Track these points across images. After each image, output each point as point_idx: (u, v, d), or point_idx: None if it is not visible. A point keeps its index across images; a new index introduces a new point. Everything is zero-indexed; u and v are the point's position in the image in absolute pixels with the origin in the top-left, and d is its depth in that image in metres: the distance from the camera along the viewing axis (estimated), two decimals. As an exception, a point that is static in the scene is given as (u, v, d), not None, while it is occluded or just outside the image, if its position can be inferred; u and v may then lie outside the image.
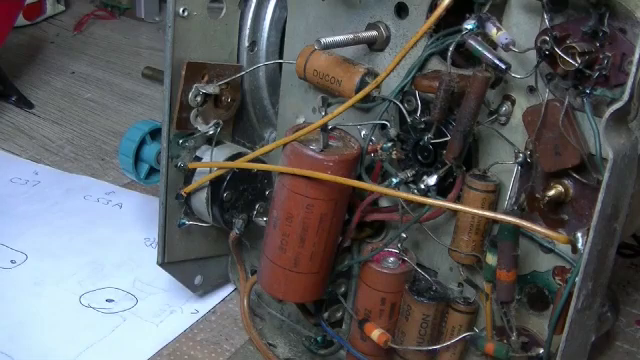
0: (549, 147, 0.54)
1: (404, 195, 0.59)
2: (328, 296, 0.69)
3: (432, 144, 0.59)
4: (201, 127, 0.72)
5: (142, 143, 0.81)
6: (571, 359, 0.53)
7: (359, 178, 0.63)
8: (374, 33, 0.63)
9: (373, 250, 0.64)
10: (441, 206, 0.58)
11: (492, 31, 0.53)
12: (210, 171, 0.71)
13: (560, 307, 0.54)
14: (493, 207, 0.58)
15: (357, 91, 0.62)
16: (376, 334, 0.62)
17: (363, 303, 0.65)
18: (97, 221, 0.94)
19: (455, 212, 0.60)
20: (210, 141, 0.73)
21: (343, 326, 0.73)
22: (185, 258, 0.77)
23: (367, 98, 0.62)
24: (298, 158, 0.60)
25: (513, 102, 0.57)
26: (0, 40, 1.19)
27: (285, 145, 0.61)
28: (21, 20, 1.41)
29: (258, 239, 0.71)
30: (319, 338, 0.73)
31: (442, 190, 0.60)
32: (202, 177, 0.71)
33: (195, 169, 0.72)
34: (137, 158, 0.81)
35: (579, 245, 0.52)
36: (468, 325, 0.62)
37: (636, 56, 0.47)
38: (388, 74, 0.60)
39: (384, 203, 0.66)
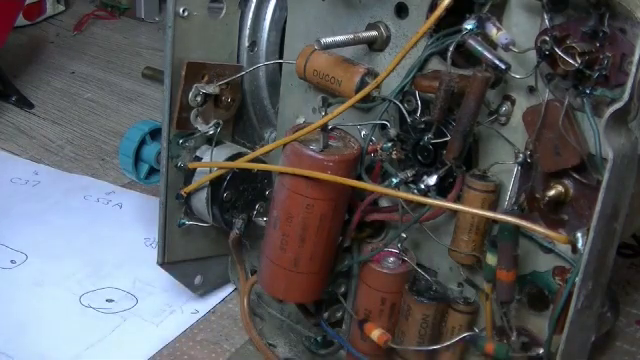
0: (549, 147, 0.54)
1: (404, 195, 0.59)
2: (328, 296, 0.69)
3: (432, 144, 0.59)
4: (201, 127, 0.72)
5: (142, 143, 0.81)
6: (571, 359, 0.53)
7: (359, 178, 0.62)
8: (374, 33, 0.63)
9: (373, 250, 0.64)
10: (441, 206, 0.58)
11: (492, 31, 0.53)
12: (210, 171, 0.71)
13: (560, 307, 0.54)
14: (493, 207, 0.58)
15: (357, 91, 0.62)
16: (376, 334, 0.62)
17: (363, 303, 0.65)
18: (97, 221, 0.94)
19: (455, 212, 0.60)
20: (210, 141, 0.73)
21: (343, 326, 0.73)
22: (185, 258, 0.77)
23: (367, 98, 0.62)
24: (298, 158, 0.60)
25: (513, 102, 0.57)
26: (0, 40, 1.19)
27: (285, 145, 0.61)
28: (21, 20, 1.41)
29: (258, 239, 0.71)
30: (319, 338, 0.73)
31: (442, 190, 0.60)
32: (202, 177, 0.71)
33: (195, 169, 0.72)
34: (137, 158, 0.81)
35: (579, 245, 0.52)
36: (468, 325, 0.62)
37: (636, 56, 0.47)
38: (388, 74, 0.60)
39: (384, 203, 0.66)
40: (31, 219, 0.93)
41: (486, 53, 0.53)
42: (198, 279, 0.80)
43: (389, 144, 0.62)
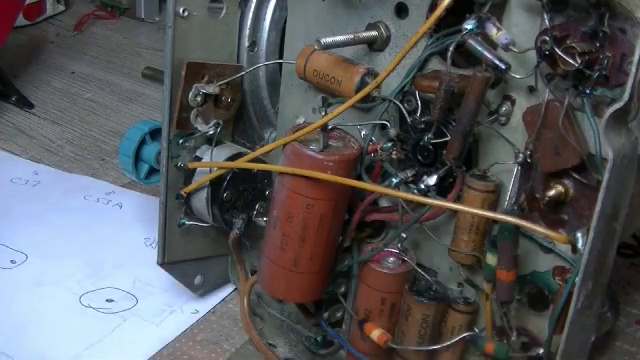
0: (549, 147, 0.54)
1: (404, 195, 0.59)
2: (328, 296, 0.69)
3: (432, 144, 0.59)
4: (201, 127, 0.72)
5: (142, 143, 0.81)
6: (571, 359, 0.53)
7: (359, 178, 0.62)
8: (374, 33, 0.63)
9: (373, 250, 0.64)
10: (441, 206, 0.58)
11: (492, 31, 0.53)
12: (210, 171, 0.71)
13: (560, 307, 0.54)
14: (493, 207, 0.58)
15: (357, 91, 0.62)
16: (376, 334, 0.62)
17: (363, 303, 0.65)
18: (97, 221, 0.94)
19: (455, 212, 0.60)
20: (210, 141, 0.73)
21: (343, 326, 0.73)
22: (185, 258, 0.77)
23: (367, 98, 0.62)
24: (298, 158, 0.60)
25: (513, 102, 0.57)
26: (0, 40, 1.19)
27: (285, 145, 0.61)
28: (21, 20, 1.41)
29: (258, 239, 0.71)
30: (319, 338, 0.73)
31: (442, 190, 0.60)
32: (202, 177, 0.71)
33: (195, 169, 0.72)
34: (137, 158, 0.81)
35: (579, 245, 0.52)
36: (468, 325, 0.62)
37: (636, 56, 0.47)
38: (388, 74, 0.60)
39: (384, 203, 0.66)
40: (31, 219, 0.93)
41: (486, 53, 0.53)
42: (198, 279, 0.80)
43: (389, 144, 0.62)
